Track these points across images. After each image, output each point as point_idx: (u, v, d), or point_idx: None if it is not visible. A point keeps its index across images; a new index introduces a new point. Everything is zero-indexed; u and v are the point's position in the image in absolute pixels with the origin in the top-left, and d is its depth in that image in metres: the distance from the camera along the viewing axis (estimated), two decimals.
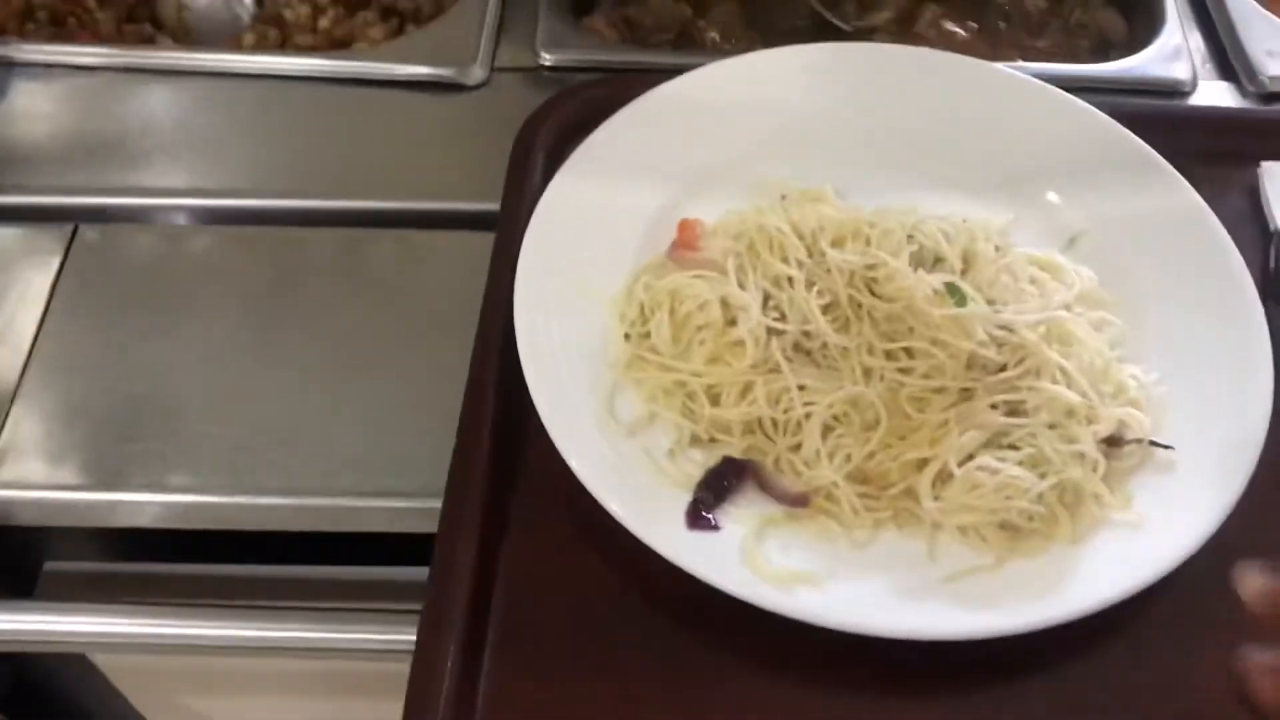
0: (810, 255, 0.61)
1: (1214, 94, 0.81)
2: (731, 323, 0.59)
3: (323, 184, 0.74)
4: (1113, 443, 0.57)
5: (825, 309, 0.59)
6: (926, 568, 0.54)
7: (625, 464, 0.56)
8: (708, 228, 0.65)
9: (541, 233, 0.63)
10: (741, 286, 0.60)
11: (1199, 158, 0.70)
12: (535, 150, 0.70)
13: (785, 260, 0.60)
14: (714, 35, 0.86)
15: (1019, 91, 0.71)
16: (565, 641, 0.54)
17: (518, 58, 0.81)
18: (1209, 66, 0.83)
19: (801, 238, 0.62)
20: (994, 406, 0.57)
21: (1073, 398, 0.57)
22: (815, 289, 0.60)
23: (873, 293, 0.60)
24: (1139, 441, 0.57)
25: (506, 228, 0.65)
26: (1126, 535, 0.55)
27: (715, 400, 0.58)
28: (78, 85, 0.79)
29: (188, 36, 0.93)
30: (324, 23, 0.92)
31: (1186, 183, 0.67)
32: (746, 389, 0.58)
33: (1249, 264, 0.65)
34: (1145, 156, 0.68)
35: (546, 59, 0.80)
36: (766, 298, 0.60)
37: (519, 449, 0.59)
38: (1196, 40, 0.85)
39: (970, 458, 0.56)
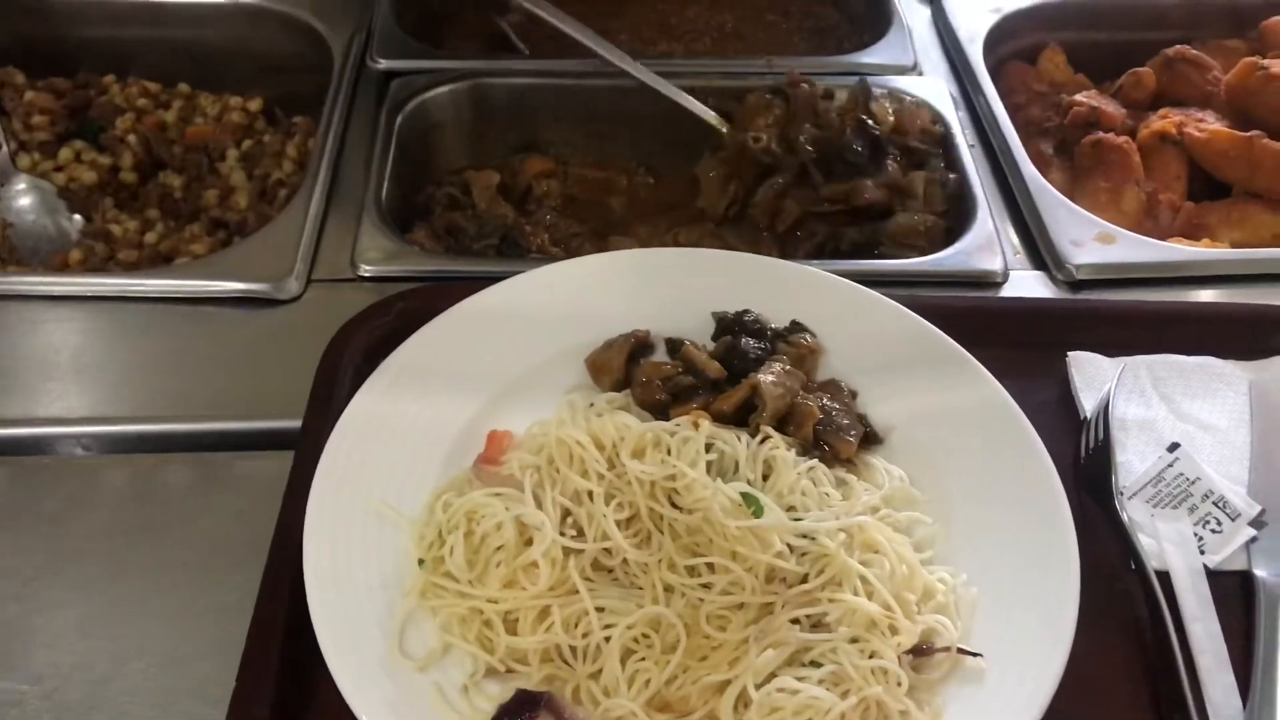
0: (611, 467, 0.60)
1: (1026, 283, 0.83)
2: (528, 542, 0.57)
3: (124, 407, 0.71)
4: (920, 653, 0.56)
5: (626, 523, 0.58)
6: None
7: (413, 703, 0.53)
8: (516, 440, 0.63)
9: (340, 452, 0.62)
10: (539, 503, 0.58)
11: (1010, 347, 0.72)
12: (343, 366, 0.70)
13: (585, 474, 0.59)
14: (541, 239, 0.87)
15: (827, 290, 0.72)
16: None
17: (336, 269, 0.81)
18: (1020, 256, 0.85)
19: (601, 448, 0.60)
20: (795, 621, 0.56)
21: (873, 609, 0.56)
22: (615, 503, 0.59)
23: (673, 504, 0.58)
24: (946, 650, 0.56)
25: (307, 448, 0.64)
26: None
27: (512, 628, 0.56)
28: None
29: (12, 255, 0.91)
30: (150, 237, 0.91)
31: (991, 377, 0.67)
32: (544, 614, 0.56)
33: (1062, 453, 0.65)
34: (950, 352, 0.69)
35: (365, 270, 0.80)
36: (566, 514, 0.58)
37: (310, 689, 0.55)
38: (1009, 231, 0.88)
39: (772, 677, 0.54)
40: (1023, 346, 0.74)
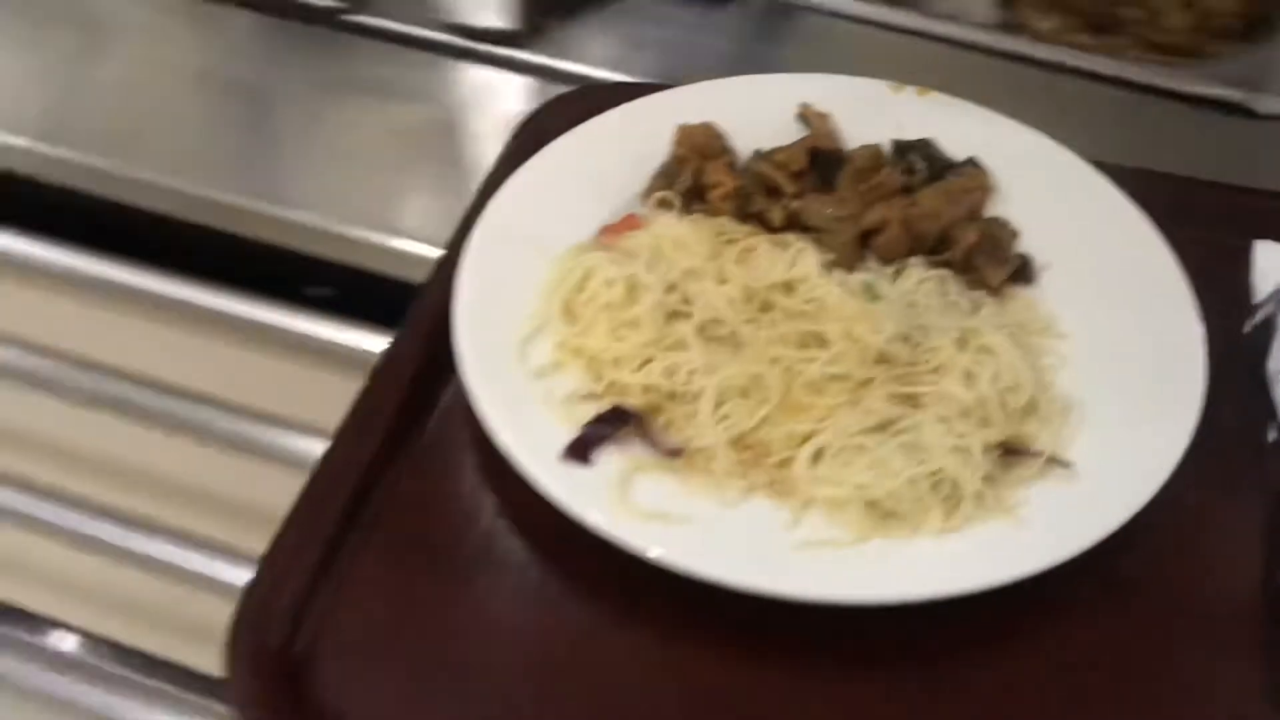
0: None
1: None
2: (636, 301, 0.61)
3: None
4: (1009, 451, 0.56)
5: (733, 302, 0.61)
6: (786, 534, 0.54)
7: (522, 398, 0.58)
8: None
9: (516, 189, 0.67)
10: (650, 270, 0.61)
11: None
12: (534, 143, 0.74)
13: (692, 255, 0.62)
14: None
15: (1032, 147, 0.71)
16: (427, 548, 0.55)
17: None
18: None
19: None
20: (890, 397, 0.57)
21: (967, 397, 0.56)
22: (726, 284, 0.61)
23: (788, 288, 0.61)
24: (1037, 455, 0.56)
25: (485, 192, 0.69)
26: (1000, 535, 0.53)
27: (616, 365, 0.60)
28: None
29: None
30: None
31: (1165, 248, 0.66)
32: (645, 362, 0.59)
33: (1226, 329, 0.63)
34: (1136, 225, 0.67)
35: None
36: (673, 286, 0.61)
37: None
38: None
39: (852, 438, 0.56)
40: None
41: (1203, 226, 0.68)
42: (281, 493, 0.56)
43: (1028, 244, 0.68)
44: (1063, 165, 0.70)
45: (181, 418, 0.73)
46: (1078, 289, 0.65)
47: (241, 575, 0.55)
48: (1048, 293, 0.65)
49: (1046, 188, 0.70)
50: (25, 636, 0.63)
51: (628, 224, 0.67)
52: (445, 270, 0.65)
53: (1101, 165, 0.70)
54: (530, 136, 0.74)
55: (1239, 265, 0.69)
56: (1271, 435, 0.60)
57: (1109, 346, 0.62)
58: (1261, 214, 0.73)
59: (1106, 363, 0.61)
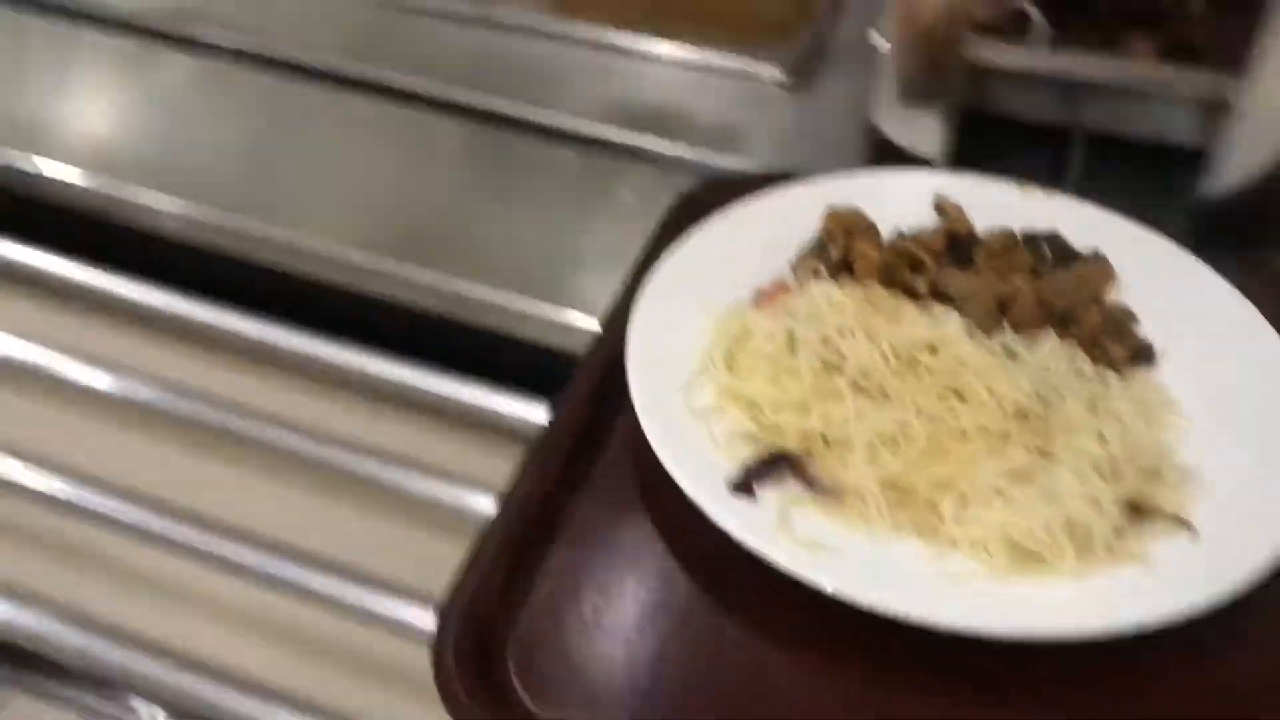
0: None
1: None
2: (791, 352, 0.67)
3: None
4: (1135, 510, 0.61)
5: (883, 355, 0.67)
6: (933, 567, 0.59)
7: (689, 436, 0.65)
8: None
9: (681, 257, 0.75)
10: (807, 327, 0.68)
11: None
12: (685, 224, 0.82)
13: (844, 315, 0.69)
14: None
15: (1156, 251, 0.77)
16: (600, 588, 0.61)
17: None
18: None
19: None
20: (1026, 449, 0.63)
21: (1101, 454, 0.62)
22: (877, 342, 0.67)
23: (933, 350, 0.67)
24: (1163, 515, 0.61)
25: (645, 262, 0.77)
26: (1133, 580, 0.58)
27: (775, 410, 0.66)
28: None
29: None
30: None
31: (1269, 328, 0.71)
32: (802, 409, 0.65)
33: None
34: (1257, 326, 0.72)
35: None
36: (827, 340, 0.67)
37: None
38: None
39: (994, 483, 0.61)
40: None
41: None
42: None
43: (1146, 330, 0.73)
44: (1177, 261, 0.76)
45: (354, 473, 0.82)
46: (1195, 374, 0.70)
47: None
48: (1167, 375, 0.71)
49: (1163, 281, 0.76)
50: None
51: (780, 289, 0.74)
52: (615, 324, 0.72)
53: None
54: (684, 215, 0.82)
55: None
56: None
57: (1227, 427, 0.66)
58: None
59: (1225, 440, 0.66)
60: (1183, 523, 0.61)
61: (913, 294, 0.71)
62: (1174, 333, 0.73)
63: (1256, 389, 0.69)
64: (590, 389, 0.70)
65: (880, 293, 0.71)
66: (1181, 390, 0.70)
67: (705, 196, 0.84)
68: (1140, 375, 0.70)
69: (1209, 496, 0.63)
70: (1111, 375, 0.69)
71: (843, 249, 0.74)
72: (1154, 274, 0.76)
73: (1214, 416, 0.68)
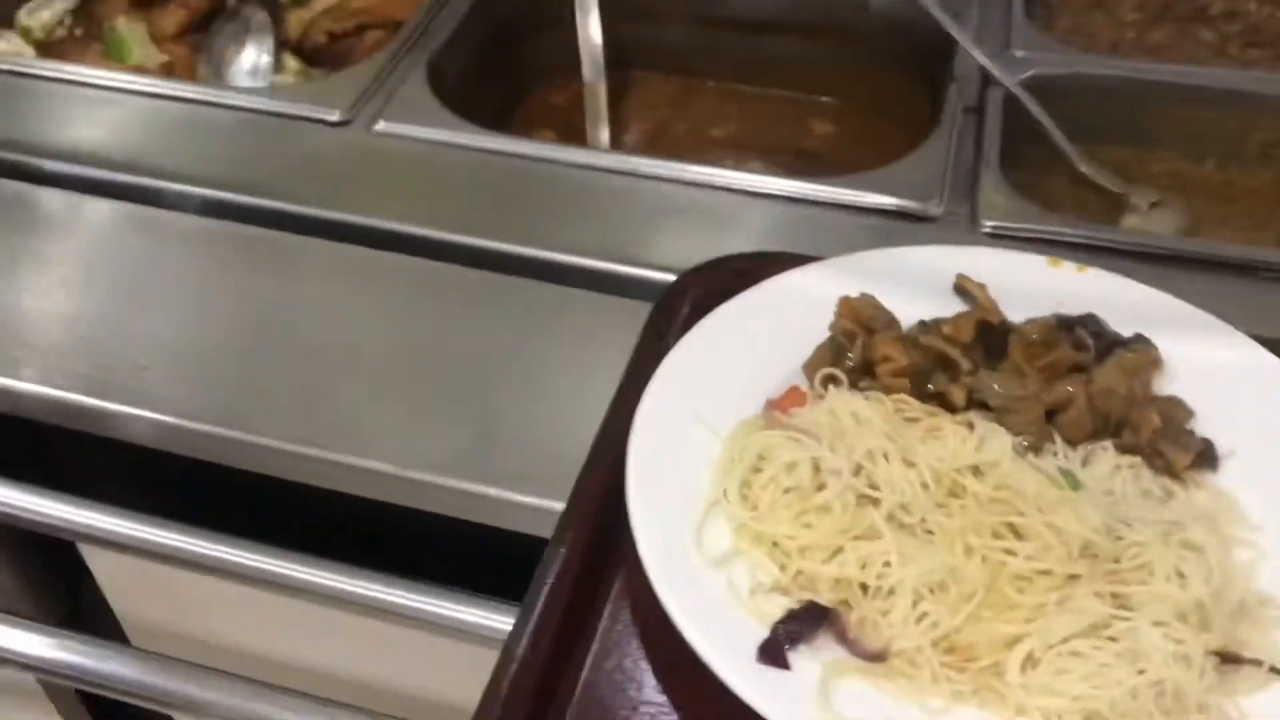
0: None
1: None
2: (820, 487, 0.59)
3: None
4: (1227, 659, 0.53)
5: (922, 486, 0.58)
6: None
7: (707, 591, 0.56)
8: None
9: (676, 363, 0.66)
10: (833, 452, 0.59)
11: None
12: (680, 307, 0.73)
13: (874, 434, 0.60)
14: None
15: (1192, 323, 0.69)
16: None
17: None
18: None
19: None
20: (1098, 595, 0.54)
21: (1185, 598, 0.54)
22: (913, 467, 0.59)
23: (976, 472, 0.59)
24: (1258, 664, 0.53)
25: (635, 371, 0.68)
26: None
27: (804, 554, 0.57)
28: None
29: None
30: None
31: None
32: (836, 552, 0.57)
33: None
34: None
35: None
36: (859, 468, 0.59)
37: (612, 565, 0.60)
38: None
39: (1064, 642, 0.53)
40: None
41: None
42: None
43: (1201, 423, 0.65)
44: (1224, 339, 0.69)
45: None
46: (1260, 474, 0.63)
47: None
48: (1231, 478, 0.63)
49: (1211, 362, 0.68)
50: None
51: (793, 398, 0.65)
52: (603, 451, 0.63)
53: (1260, 338, 0.68)
54: (675, 307, 0.73)
55: None
56: None
57: None
58: None
59: None
60: (1278, 672, 0.53)
61: (948, 405, 0.62)
62: (1226, 418, 0.65)
63: None
64: (585, 535, 0.60)
65: (912, 403, 0.63)
66: (1246, 492, 0.62)
67: (697, 283, 0.75)
68: (1205, 483, 0.63)
69: None
70: (1176, 486, 0.61)
71: (862, 351, 0.65)
72: (1196, 350, 0.68)
73: None
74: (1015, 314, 0.69)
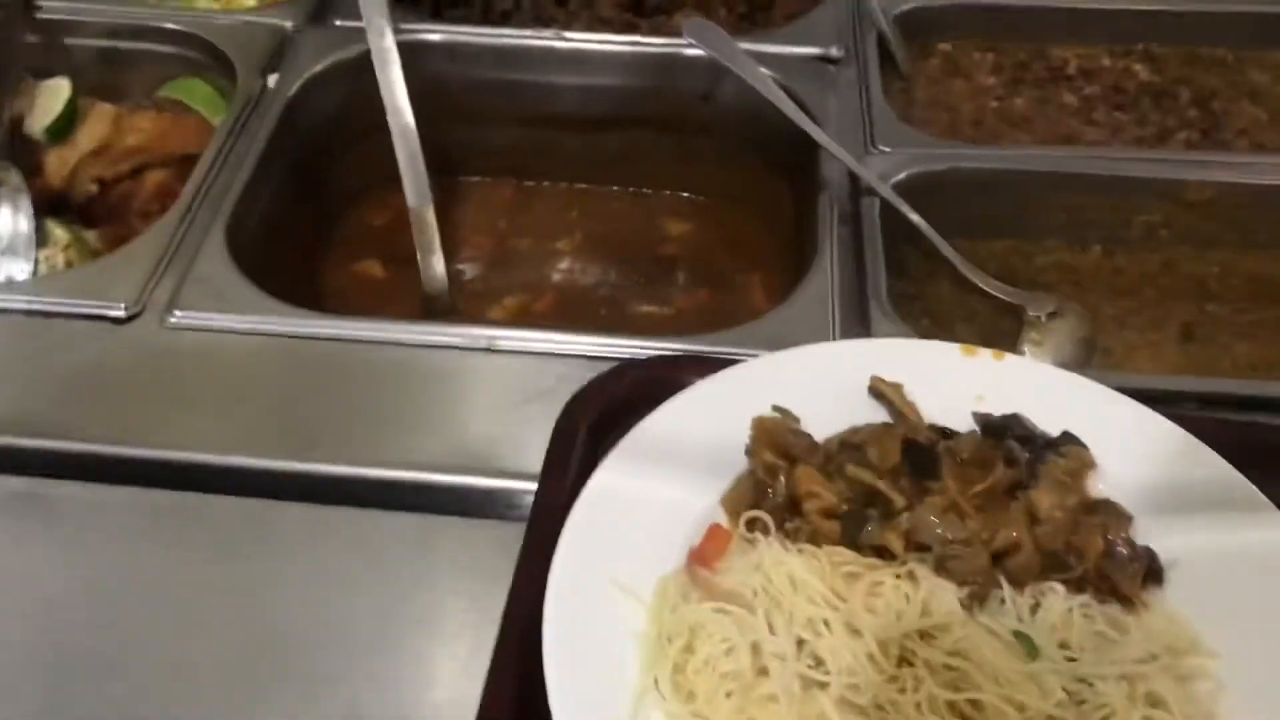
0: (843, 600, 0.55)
1: None
2: (762, 672, 0.53)
3: None
4: None
5: (869, 657, 0.53)
6: None
7: None
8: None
9: (583, 526, 0.58)
10: (771, 629, 0.54)
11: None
12: (579, 431, 0.65)
13: (814, 602, 0.55)
14: None
15: (1111, 407, 0.66)
16: None
17: None
18: None
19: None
20: None
21: None
22: (858, 636, 0.54)
23: (924, 637, 0.53)
24: None
25: (543, 517, 0.60)
26: None
27: None
28: None
29: None
30: None
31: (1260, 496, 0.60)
32: None
33: None
34: (1232, 481, 0.62)
35: None
36: (800, 643, 0.54)
37: None
38: None
39: None
40: None
41: None
42: None
43: (1138, 525, 0.61)
44: (1146, 423, 0.65)
45: None
46: (1205, 582, 0.59)
47: None
48: (1180, 590, 0.59)
49: (1136, 451, 0.64)
50: None
51: (716, 542, 0.59)
52: (518, 622, 0.55)
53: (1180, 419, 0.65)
54: (572, 432, 0.65)
55: None
56: None
57: (1264, 666, 0.55)
58: None
59: (1269, 690, 0.54)
60: None
61: (888, 555, 0.58)
62: (1160, 514, 0.61)
63: (1267, 583, 0.58)
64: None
65: (846, 555, 0.58)
66: (1198, 607, 0.58)
67: (592, 406, 0.67)
68: (1156, 606, 0.58)
69: None
70: (1129, 618, 0.57)
71: (786, 487, 0.60)
72: (1127, 443, 0.64)
73: (1241, 639, 0.56)
74: (935, 410, 0.65)
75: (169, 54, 0.99)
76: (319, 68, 0.97)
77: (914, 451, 0.61)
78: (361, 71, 0.88)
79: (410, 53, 0.88)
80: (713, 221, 1.02)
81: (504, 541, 0.61)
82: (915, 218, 0.85)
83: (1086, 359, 0.84)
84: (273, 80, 0.94)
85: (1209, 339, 0.87)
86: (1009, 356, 0.68)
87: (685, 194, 1.04)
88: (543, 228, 1.02)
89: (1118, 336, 0.87)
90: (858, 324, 0.77)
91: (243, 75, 0.94)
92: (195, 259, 0.79)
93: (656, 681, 0.53)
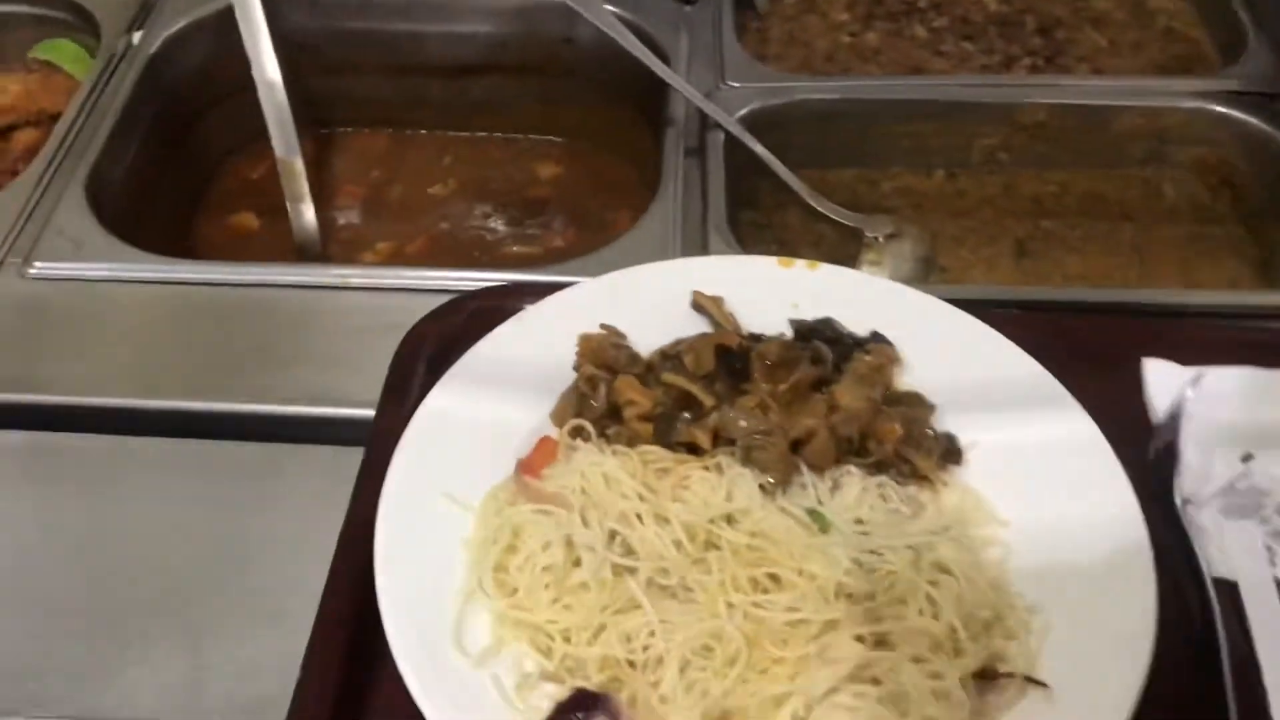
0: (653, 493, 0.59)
1: None
2: (577, 563, 0.57)
3: None
4: (985, 677, 0.54)
5: (677, 544, 0.57)
6: None
7: (472, 695, 0.53)
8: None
9: (416, 445, 0.62)
10: (586, 525, 0.58)
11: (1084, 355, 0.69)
12: (417, 361, 0.69)
13: (626, 497, 0.58)
14: None
15: (903, 303, 0.71)
16: None
17: None
18: None
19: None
20: (859, 639, 0.54)
21: (937, 629, 0.54)
22: (666, 524, 0.58)
23: (730, 522, 0.58)
24: (1012, 676, 0.54)
25: (379, 442, 0.64)
26: None
27: (567, 639, 0.55)
28: None
29: None
30: None
31: (1078, 406, 0.65)
32: (599, 631, 0.55)
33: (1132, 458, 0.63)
34: (1035, 374, 0.66)
35: None
36: (613, 535, 0.57)
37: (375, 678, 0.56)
38: None
39: (832, 692, 0.52)
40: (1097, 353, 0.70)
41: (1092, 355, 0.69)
42: None
43: (943, 415, 0.66)
44: (955, 323, 0.70)
45: None
46: (1002, 459, 0.64)
47: None
48: (975, 470, 0.64)
49: (945, 349, 0.69)
50: None
51: (544, 453, 0.63)
52: (350, 551, 0.58)
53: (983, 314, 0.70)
54: (410, 361, 0.69)
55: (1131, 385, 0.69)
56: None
57: (1051, 534, 0.60)
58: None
59: (1053, 553, 0.59)
60: (1035, 683, 0.54)
61: (695, 449, 0.62)
62: (971, 411, 0.65)
63: (1068, 470, 0.62)
64: (339, 643, 0.56)
65: (657, 452, 0.62)
66: (993, 484, 0.63)
67: (432, 334, 0.71)
68: (953, 482, 0.63)
69: (1050, 633, 0.56)
70: (925, 494, 0.62)
71: (606, 397, 0.64)
72: (936, 341, 0.69)
73: (1031, 511, 0.61)
74: (755, 321, 0.69)
75: (37, 15, 1.02)
76: (182, 24, 0.99)
77: (726, 356, 0.65)
78: (227, 27, 0.89)
79: (273, 6, 0.89)
80: (581, 163, 1.06)
81: (348, 466, 0.64)
82: (759, 149, 0.89)
83: (924, 276, 0.88)
84: (137, 38, 0.97)
85: (1041, 254, 0.91)
86: (823, 266, 0.72)
87: (555, 138, 1.08)
88: (416, 175, 1.05)
89: (955, 255, 0.92)
90: (699, 252, 0.80)
91: (107, 33, 0.96)
92: (54, 212, 0.82)
93: (481, 581, 0.57)
